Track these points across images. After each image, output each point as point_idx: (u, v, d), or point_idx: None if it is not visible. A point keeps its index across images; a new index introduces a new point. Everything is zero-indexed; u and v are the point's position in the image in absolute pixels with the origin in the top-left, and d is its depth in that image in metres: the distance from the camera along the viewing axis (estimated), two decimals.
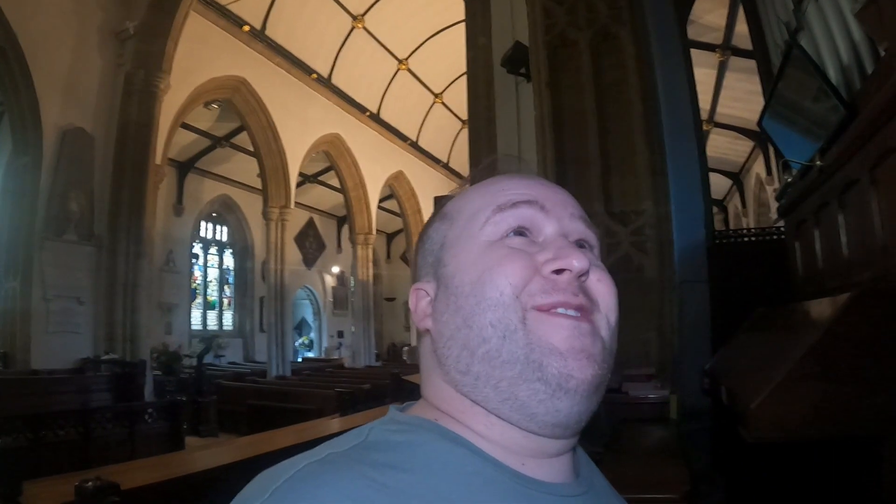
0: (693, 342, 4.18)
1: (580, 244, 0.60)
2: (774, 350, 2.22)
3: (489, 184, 0.64)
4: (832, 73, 2.58)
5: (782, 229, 4.03)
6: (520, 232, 0.58)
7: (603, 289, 0.58)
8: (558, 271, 0.55)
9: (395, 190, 20.26)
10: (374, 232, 18.76)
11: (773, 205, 4.95)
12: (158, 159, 11.08)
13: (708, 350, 4.06)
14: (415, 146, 19.82)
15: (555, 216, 0.60)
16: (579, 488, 0.58)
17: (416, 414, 0.60)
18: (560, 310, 0.54)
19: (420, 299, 0.62)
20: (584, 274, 0.56)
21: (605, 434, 3.21)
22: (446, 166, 21.56)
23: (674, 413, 3.64)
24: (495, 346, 0.53)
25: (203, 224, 18.70)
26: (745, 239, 4.78)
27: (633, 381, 3.80)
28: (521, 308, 0.53)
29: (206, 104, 13.78)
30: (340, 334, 22.70)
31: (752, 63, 4.81)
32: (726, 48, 10.63)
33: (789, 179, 3.24)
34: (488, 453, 0.54)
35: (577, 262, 0.54)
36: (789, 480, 2.73)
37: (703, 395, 3.51)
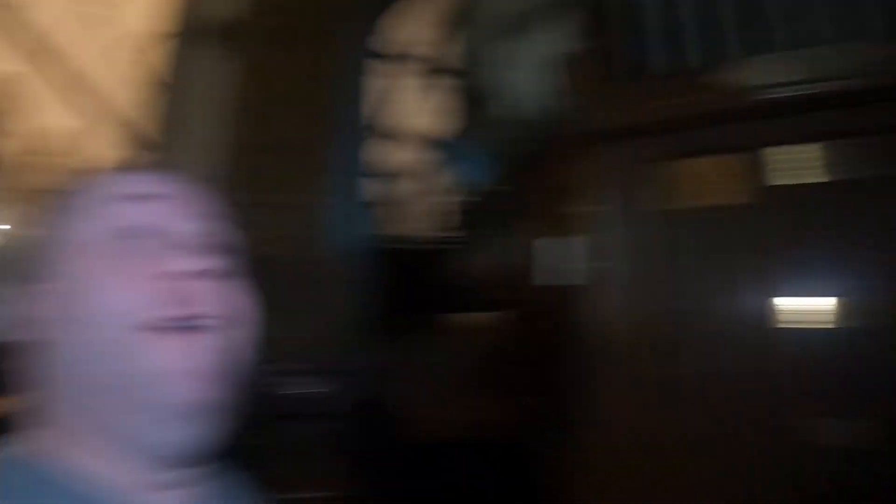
0: (353, 344, 4.25)
1: (205, 245, 0.52)
2: (433, 358, 2.33)
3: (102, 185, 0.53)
4: (519, 109, 2.83)
5: (452, 241, 4.33)
6: (128, 233, 0.48)
7: (229, 296, 0.50)
8: (171, 274, 0.46)
9: None
10: None
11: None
12: None
13: (367, 353, 4.16)
14: None
15: (178, 213, 0.51)
16: None
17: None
18: (173, 324, 0.46)
19: None
20: (203, 277, 0.48)
21: (258, 433, 3.07)
22: None
23: (329, 412, 3.64)
24: (90, 371, 0.45)
25: None
26: (413, 247, 5.03)
27: (288, 378, 3.72)
28: (125, 327, 0.45)
29: None
30: None
31: (439, 81, 5.10)
32: (417, 63, 11.27)
33: (462, 199, 3.50)
34: (78, 488, 0.44)
35: (187, 261, 0.47)
36: (451, 482, 2.90)
37: (360, 396, 3.58)
